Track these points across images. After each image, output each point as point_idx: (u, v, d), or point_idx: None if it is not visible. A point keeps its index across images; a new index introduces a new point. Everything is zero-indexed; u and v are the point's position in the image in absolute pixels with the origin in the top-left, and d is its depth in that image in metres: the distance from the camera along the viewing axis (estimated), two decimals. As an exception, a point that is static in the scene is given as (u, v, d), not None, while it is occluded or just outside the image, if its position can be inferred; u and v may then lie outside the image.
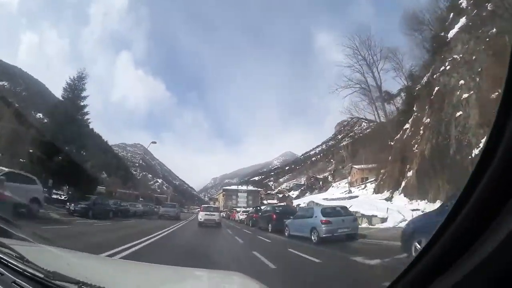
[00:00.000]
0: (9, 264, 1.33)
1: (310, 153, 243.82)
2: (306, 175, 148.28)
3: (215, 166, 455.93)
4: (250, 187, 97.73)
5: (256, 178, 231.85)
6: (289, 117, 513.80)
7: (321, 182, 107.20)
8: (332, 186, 62.38)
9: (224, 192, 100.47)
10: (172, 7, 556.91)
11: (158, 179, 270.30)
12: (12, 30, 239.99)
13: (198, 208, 36.23)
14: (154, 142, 45.29)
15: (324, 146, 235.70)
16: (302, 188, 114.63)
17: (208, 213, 20.34)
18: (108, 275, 1.77)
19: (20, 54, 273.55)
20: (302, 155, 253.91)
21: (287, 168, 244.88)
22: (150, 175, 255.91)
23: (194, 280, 2.09)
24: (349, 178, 56.10)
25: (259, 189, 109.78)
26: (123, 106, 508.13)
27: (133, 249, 7.36)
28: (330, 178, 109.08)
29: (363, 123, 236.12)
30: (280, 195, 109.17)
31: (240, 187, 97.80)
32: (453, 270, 0.72)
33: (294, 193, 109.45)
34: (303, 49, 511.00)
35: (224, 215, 40.96)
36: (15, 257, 1.37)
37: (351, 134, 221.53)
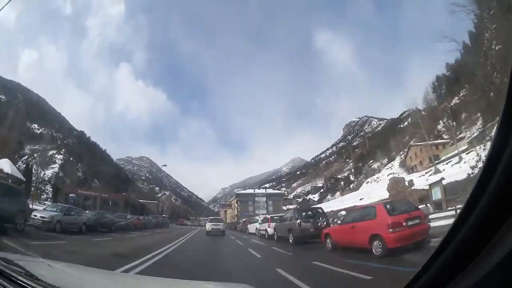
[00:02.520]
0: (19, 281, 1.30)
1: (321, 156, 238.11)
2: (322, 177, 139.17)
3: (223, 176, 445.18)
4: (270, 190, 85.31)
5: (267, 186, 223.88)
6: (295, 122, 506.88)
7: (342, 182, 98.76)
8: (367, 182, 53.94)
9: (237, 198, 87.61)
10: (170, 14, 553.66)
11: (165, 191, 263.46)
12: (10, 46, 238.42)
13: (206, 219, 38.49)
14: (165, 166, 41.27)
15: (334, 148, 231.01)
16: (321, 191, 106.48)
17: (214, 223, 24.17)
18: None
19: (20, 69, 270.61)
20: (313, 159, 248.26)
21: (298, 173, 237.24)
22: (158, 188, 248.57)
23: None
24: (408, 162, 47.56)
25: (280, 191, 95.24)
26: (126, 119, 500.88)
27: (148, 263, 6.98)
28: (352, 177, 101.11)
29: (373, 121, 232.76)
30: (299, 199, 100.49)
31: (257, 191, 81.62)
32: (464, 274, 0.71)
33: (313, 197, 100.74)
34: (305, 51, 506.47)
35: (240, 227, 32.93)
36: (24, 275, 1.35)
37: (361, 133, 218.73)
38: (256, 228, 23.05)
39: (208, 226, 23.88)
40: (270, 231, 18.15)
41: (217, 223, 24.32)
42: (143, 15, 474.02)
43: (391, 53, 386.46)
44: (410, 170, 47.21)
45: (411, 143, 54.60)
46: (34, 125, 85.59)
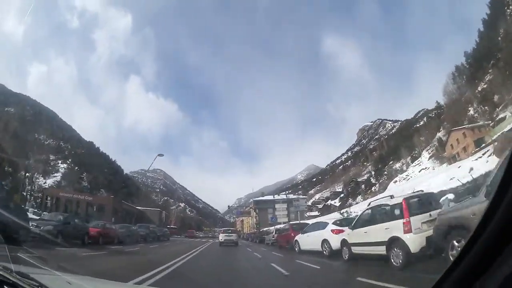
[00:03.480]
0: None
1: (336, 162, 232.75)
2: (340, 182, 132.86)
3: (238, 187, 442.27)
4: (291, 195, 75.08)
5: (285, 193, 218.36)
6: (307, 129, 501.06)
7: (363, 186, 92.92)
8: (395, 182, 48.76)
9: (255, 206, 79.36)
10: (178, 25, 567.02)
11: (180, 203, 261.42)
12: (19, 61, 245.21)
13: (221, 230, 39.11)
14: (161, 155, 35.53)
15: (349, 153, 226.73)
16: (341, 196, 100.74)
17: (227, 234, 24.54)
18: None
19: (30, 83, 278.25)
20: (328, 165, 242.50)
21: (314, 180, 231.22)
22: (172, 200, 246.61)
23: None
24: (448, 151, 42.61)
25: (302, 196, 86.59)
26: (138, 131, 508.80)
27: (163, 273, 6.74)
28: (373, 180, 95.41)
29: (387, 123, 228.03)
30: (320, 206, 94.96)
31: (276, 197, 71.12)
32: (494, 270, 0.70)
33: (334, 202, 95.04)
34: (314, 57, 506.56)
35: (272, 239, 24.99)
36: None
37: (376, 137, 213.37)
38: (325, 239, 11.91)
39: (222, 237, 24.55)
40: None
41: (230, 234, 24.88)
42: (150, 27, 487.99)
43: (399, 54, 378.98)
44: (451, 160, 41.93)
45: (452, 128, 49.70)
46: (42, 136, 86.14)
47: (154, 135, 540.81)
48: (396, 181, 49.43)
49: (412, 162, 62.90)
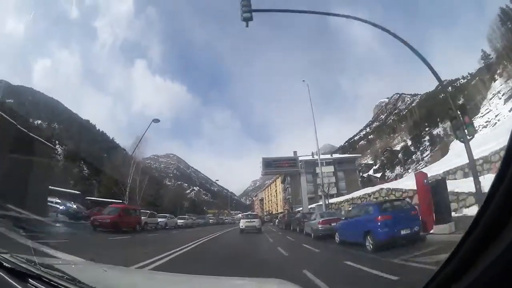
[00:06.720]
0: (60, 286, 1.31)
1: (354, 138, 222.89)
2: (366, 155, 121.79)
3: (253, 168, 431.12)
4: (337, 155, 57.37)
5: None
6: (320, 108, 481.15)
7: (400, 154, 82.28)
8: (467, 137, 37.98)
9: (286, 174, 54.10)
10: (180, 3, 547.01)
11: (194, 187, 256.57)
12: (23, 56, 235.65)
13: (239, 213, 38.09)
14: (157, 120, 27.67)
15: (368, 129, 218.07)
16: (374, 167, 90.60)
17: (249, 220, 21.89)
18: None
19: (36, 78, 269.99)
20: (346, 141, 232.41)
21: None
22: (186, 184, 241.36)
23: None
24: None
25: (354, 155, 64.03)
26: (147, 117, 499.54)
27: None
28: (413, 148, 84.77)
29: (406, 98, 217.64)
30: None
31: (316, 157, 37.75)
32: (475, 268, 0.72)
33: (375, 174, 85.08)
34: (323, 30, 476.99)
35: (322, 226, 14.71)
36: (66, 279, 1.36)
37: (395, 111, 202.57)
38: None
39: (242, 223, 22.04)
40: None
41: (252, 220, 22.29)
42: (152, 7, 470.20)
43: (412, 23, 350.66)
44: None
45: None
46: (37, 121, 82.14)
47: (164, 119, 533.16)
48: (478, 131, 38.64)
49: (472, 116, 53.20)
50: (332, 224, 13.43)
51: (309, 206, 30.62)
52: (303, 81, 27.39)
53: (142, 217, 21.54)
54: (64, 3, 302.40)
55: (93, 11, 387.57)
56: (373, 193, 21.82)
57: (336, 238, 11.90)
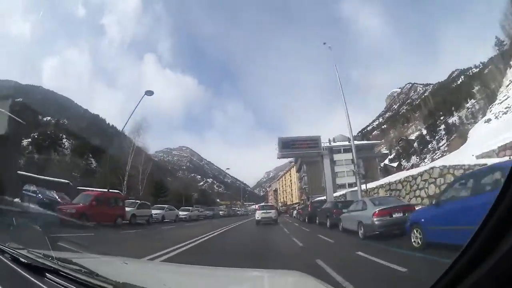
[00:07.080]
0: (78, 280, 1.30)
1: (367, 129, 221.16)
2: (380, 145, 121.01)
3: (265, 160, 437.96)
4: (356, 141, 56.51)
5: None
6: (331, 99, 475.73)
7: (415, 144, 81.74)
8: (488, 120, 37.25)
9: (301, 162, 54.55)
10: None
11: (208, 179, 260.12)
12: (32, 57, 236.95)
13: (253, 204, 35.56)
14: (150, 93, 22.73)
15: (381, 119, 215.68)
16: (389, 157, 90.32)
17: (265, 211, 21.87)
18: (176, 281, 1.77)
19: (47, 77, 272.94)
20: (359, 132, 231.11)
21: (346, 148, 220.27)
22: (199, 176, 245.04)
23: (253, 282, 1.99)
24: None
25: (376, 141, 64.98)
26: (160, 111, 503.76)
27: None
28: (428, 137, 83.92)
29: (418, 87, 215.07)
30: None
31: (333, 144, 44.57)
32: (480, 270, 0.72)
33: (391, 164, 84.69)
34: (334, 20, 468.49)
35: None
36: (84, 273, 1.36)
37: (408, 101, 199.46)
38: None
39: (258, 214, 21.94)
40: None
41: (268, 211, 22.21)
42: (160, 0, 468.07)
43: (423, 11, 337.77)
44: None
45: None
46: (47, 118, 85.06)
47: (177, 113, 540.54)
48: (489, 120, 37.69)
49: (489, 104, 51.77)
50: (394, 216, 9.56)
51: (335, 194, 29.51)
52: (324, 43, 23.80)
53: (130, 208, 19.11)
54: (72, 1, 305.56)
55: (101, 8, 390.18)
56: (420, 174, 16.92)
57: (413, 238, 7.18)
